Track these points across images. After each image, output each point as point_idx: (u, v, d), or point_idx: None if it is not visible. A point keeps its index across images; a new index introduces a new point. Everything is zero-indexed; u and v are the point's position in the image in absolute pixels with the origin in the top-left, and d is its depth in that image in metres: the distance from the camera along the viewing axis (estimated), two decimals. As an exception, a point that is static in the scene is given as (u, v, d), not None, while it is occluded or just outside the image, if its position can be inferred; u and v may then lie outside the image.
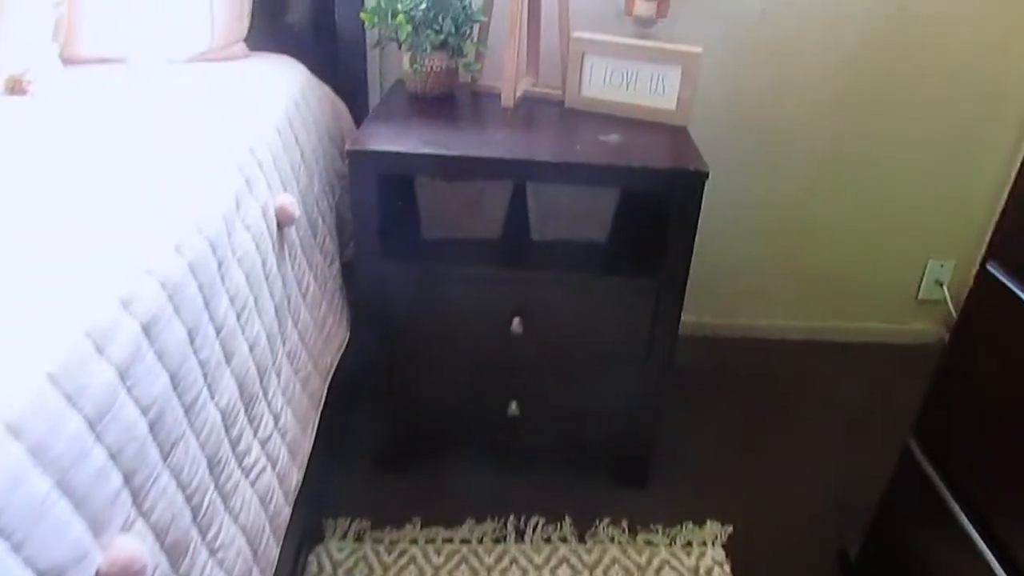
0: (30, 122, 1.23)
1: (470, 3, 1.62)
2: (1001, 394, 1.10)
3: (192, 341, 0.93)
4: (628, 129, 1.56)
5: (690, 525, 1.66)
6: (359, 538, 1.59)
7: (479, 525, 1.63)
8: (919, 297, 2.29)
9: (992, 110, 2.01)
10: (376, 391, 1.65)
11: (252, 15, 1.70)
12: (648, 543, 1.62)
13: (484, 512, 1.66)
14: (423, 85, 1.67)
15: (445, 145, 1.42)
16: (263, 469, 1.13)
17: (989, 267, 1.15)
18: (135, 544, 0.74)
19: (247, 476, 1.08)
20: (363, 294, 1.54)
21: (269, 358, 1.20)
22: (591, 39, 1.61)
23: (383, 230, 1.47)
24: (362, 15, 1.59)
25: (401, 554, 1.56)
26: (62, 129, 1.21)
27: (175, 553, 0.85)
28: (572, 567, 1.56)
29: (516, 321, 1.52)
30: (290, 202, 1.31)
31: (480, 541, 1.60)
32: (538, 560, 1.57)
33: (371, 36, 1.83)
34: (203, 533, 0.93)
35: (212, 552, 0.95)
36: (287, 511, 1.22)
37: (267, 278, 1.22)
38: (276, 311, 1.25)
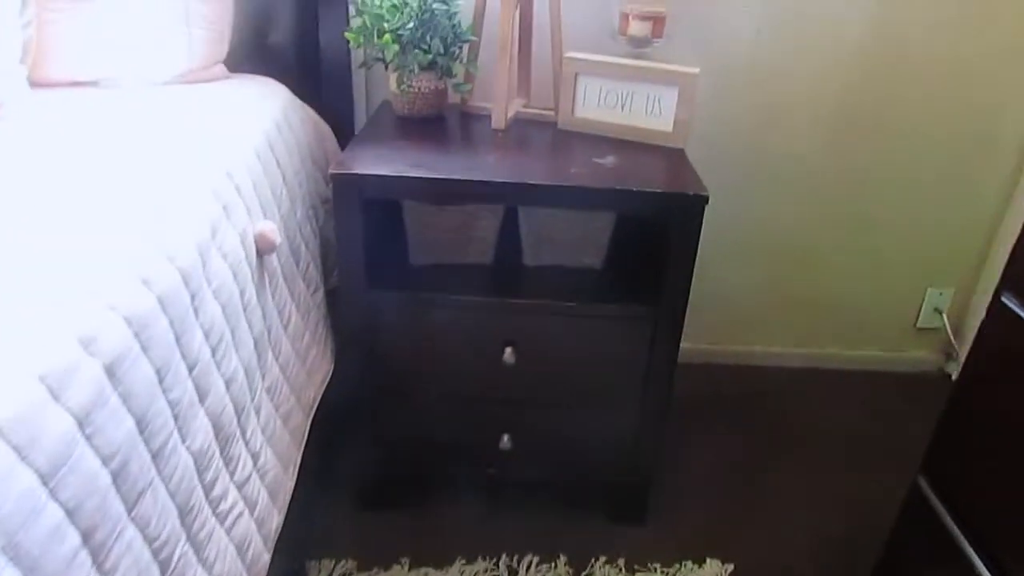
0: (-7, 147, 1.17)
1: (459, 22, 1.57)
2: (1018, 428, 1.04)
3: (161, 381, 0.87)
4: (623, 151, 1.51)
5: (689, 564, 1.60)
6: (344, 580, 1.51)
7: (470, 565, 1.56)
8: (918, 325, 2.25)
9: (991, 135, 1.98)
10: (362, 425, 1.58)
11: (232, 36, 1.64)
12: (647, 583, 1.55)
13: (475, 551, 1.59)
14: (411, 106, 1.61)
15: (434, 168, 1.36)
16: (240, 514, 1.06)
17: (1004, 298, 1.10)
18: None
19: (223, 523, 1.01)
20: (348, 323, 1.48)
21: (247, 394, 1.13)
22: (585, 59, 1.56)
23: (369, 257, 1.41)
24: (347, 34, 1.54)
25: (388, 597, 1.49)
26: (23, 155, 1.14)
27: (141, 615, 0.78)
28: (568, 609, 1.49)
29: (508, 351, 1.47)
30: (271, 229, 1.25)
31: (471, 582, 1.53)
32: (532, 602, 1.50)
33: (356, 56, 1.78)
34: (173, 590, 0.86)
35: (183, 610, 0.88)
36: (266, 557, 1.15)
37: (245, 309, 1.15)
38: (255, 344, 1.19)
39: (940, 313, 2.20)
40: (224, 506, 1.01)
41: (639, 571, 1.57)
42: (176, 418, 0.89)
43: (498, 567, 1.56)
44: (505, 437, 1.57)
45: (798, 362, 2.29)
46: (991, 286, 2.06)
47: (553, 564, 1.58)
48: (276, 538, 1.20)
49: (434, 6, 1.50)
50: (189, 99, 1.47)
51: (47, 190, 1.00)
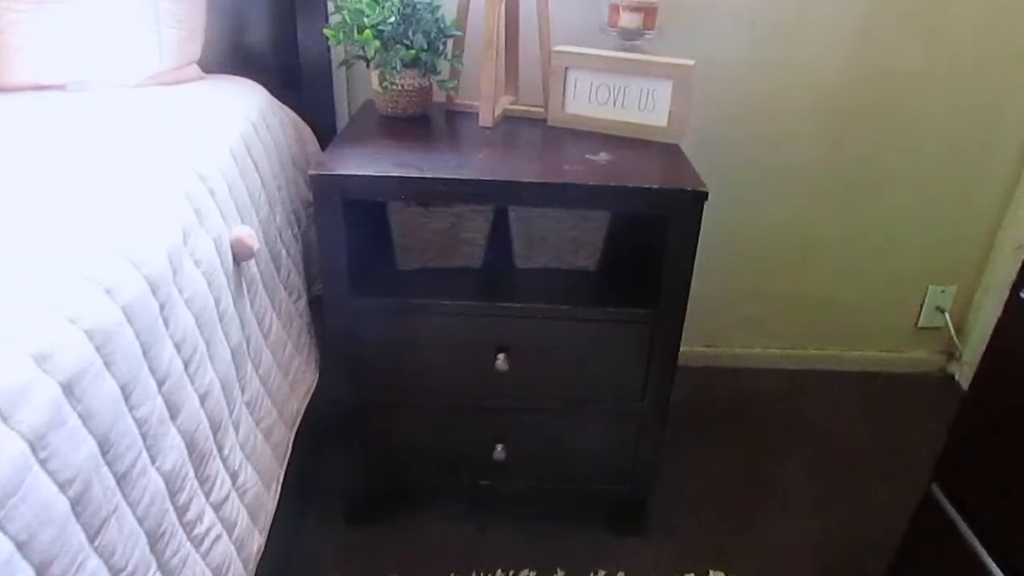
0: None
1: (443, 16, 1.50)
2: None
3: (127, 398, 0.80)
4: (617, 148, 1.45)
5: None
6: (332, 601, 1.45)
7: (464, 581, 1.50)
8: (919, 324, 2.19)
9: (992, 131, 1.94)
10: (348, 437, 1.51)
11: (206, 35, 1.58)
12: (649, 596, 1.49)
13: (468, 566, 1.53)
14: (394, 105, 1.55)
15: (419, 167, 1.30)
16: (218, 537, 1.00)
17: (1023, 295, 1.04)
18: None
19: (198, 547, 0.94)
20: (332, 332, 1.41)
21: (225, 409, 1.07)
22: (575, 52, 1.50)
23: (352, 262, 1.35)
24: (326, 31, 1.47)
25: (379, 618, 1.42)
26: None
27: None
28: (567, 627, 1.43)
29: (501, 357, 1.41)
30: (248, 234, 1.19)
31: (465, 600, 1.47)
32: (530, 619, 1.44)
33: (337, 54, 1.71)
34: (142, 625, 0.79)
35: (154, 646, 0.81)
36: (248, 582, 1.08)
37: (222, 319, 1.09)
38: (233, 356, 1.12)
39: (942, 312, 2.15)
40: (200, 529, 0.95)
41: (640, 584, 1.51)
42: (144, 437, 0.83)
43: (493, 583, 1.50)
44: (498, 447, 1.51)
45: (796, 364, 2.23)
46: (994, 283, 2.04)
47: (550, 579, 1.52)
48: (258, 560, 1.14)
49: (416, 0, 1.44)
50: (160, 101, 1.40)
51: (2, 195, 0.93)
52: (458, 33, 1.54)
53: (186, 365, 0.95)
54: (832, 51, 1.83)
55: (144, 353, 0.85)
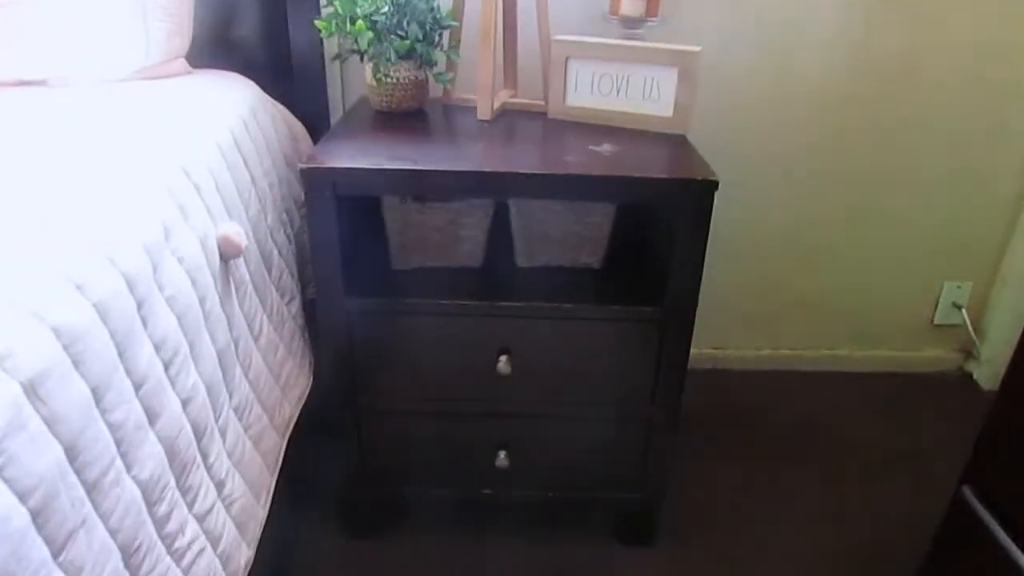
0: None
1: (438, 6, 1.45)
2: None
3: (99, 401, 0.74)
4: (621, 139, 1.40)
5: (705, 587, 1.48)
6: (329, 617, 1.39)
7: (466, 595, 1.44)
8: (935, 322, 2.13)
9: (1006, 120, 1.88)
10: (345, 445, 1.45)
11: (195, 29, 1.52)
12: (660, 609, 1.43)
13: (471, 580, 1.47)
14: (389, 99, 1.49)
15: (415, 159, 1.24)
16: (201, 550, 0.94)
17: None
18: None
19: (179, 561, 0.88)
20: (326, 334, 1.35)
21: (210, 415, 1.01)
22: (575, 41, 1.45)
23: (346, 261, 1.29)
24: (317, 22, 1.42)
25: (378, 634, 1.36)
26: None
27: None
28: (576, 641, 1.36)
29: (503, 360, 1.35)
30: (236, 232, 1.13)
31: (468, 614, 1.41)
32: (536, 634, 1.38)
33: (329, 48, 1.66)
34: (114, 647, 0.73)
35: (128, 671, 0.75)
36: (235, 598, 1.02)
37: (207, 319, 1.03)
38: (220, 358, 1.06)
39: (959, 308, 2.08)
40: (181, 542, 0.89)
41: (651, 596, 1.45)
42: (119, 443, 0.77)
43: (497, 597, 1.44)
44: (501, 454, 1.45)
45: (808, 366, 2.17)
46: (1013, 277, 1.98)
47: (557, 591, 1.46)
48: (246, 574, 1.07)
49: (411, -11, 1.39)
50: (145, 96, 1.34)
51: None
52: (454, 24, 1.48)
53: (167, 367, 0.89)
54: (841, 43, 1.77)
55: (119, 353, 0.79)
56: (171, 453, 0.88)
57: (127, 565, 0.77)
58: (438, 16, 1.45)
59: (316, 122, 1.69)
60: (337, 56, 1.51)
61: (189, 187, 1.07)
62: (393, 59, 1.42)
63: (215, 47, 1.61)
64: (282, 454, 1.29)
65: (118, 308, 0.80)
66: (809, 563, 1.54)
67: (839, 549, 1.58)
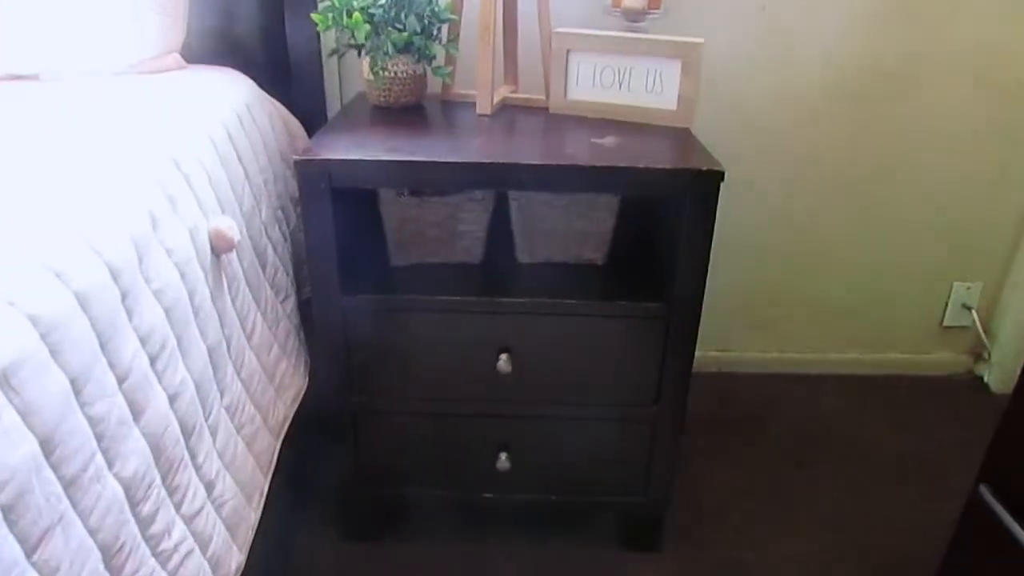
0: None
1: (437, 0, 1.42)
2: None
3: (78, 393, 0.71)
4: (624, 132, 1.37)
5: (712, 594, 1.44)
6: (325, 624, 1.35)
7: (466, 602, 1.41)
8: (944, 323, 2.09)
9: (1017, 116, 1.84)
10: (341, 447, 1.42)
11: (189, 23, 1.50)
12: (666, 616, 1.39)
13: (472, 585, 1.44)
14: (387, 94, 1.47)
15: (413, 152, 1.21)
16: (189, 553, 0.90)
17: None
18: None
19: (165, 564, 0.85)
20: (322, 332, 1.32)
21: (199, 412, 0.97)
22: (577, 33, 1.42)
23: (343, 258, 1.26)
24: (313, 16, 1.39)
25: (376, 642, 1.32)
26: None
27: None
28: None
29: (503, 358, 1.31)
30: (228, 225, 1.10)
31: (468, 621, 1.38)
32: (538, 642, 1.34)
33: (326, 43, 1.63)
34: (93, 653, 0.69)
35: None
36: (225, 604, 0.98)
37: (197, 314, 0.99)
38: (210, 355, 1.03)
39: (969, 309, 2.04)
40: (167, 544, 0.85)
41: (657, 602, 1.41)
42: (100, 438, 0.73)
43: (498, 603, 1.41)
44: (502, 456, 1.42)
45: (815, 368, 2.13)
46: (1023, 278, 1.93)
47: (560, 598, 1.42)
48: (238, 580, 1.04)
49: (409, -19, 1.36)
50: (138, 90, 1.32)
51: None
52: (453, 17, 1.46)
53: (153, 361, 0.86)
54: (847, 35, 1.74)
55: (102, 345, 0.76)
56: (157, 450, 0.84)
57: (108, 566, 0.73)
58: (437, 9, 1.43)
59: (313, 120, 1.66)
60: (334, 52, 1.48)
61: (179, 178, 1.04)
62: (391, 52, 1.39)
63: (212, 44, 1.59)
64: (276, 456, 1.25)
65: (100, 298, 0.77)
66: (819, 569, 1.50)
67: (849, 554, 1.54)
